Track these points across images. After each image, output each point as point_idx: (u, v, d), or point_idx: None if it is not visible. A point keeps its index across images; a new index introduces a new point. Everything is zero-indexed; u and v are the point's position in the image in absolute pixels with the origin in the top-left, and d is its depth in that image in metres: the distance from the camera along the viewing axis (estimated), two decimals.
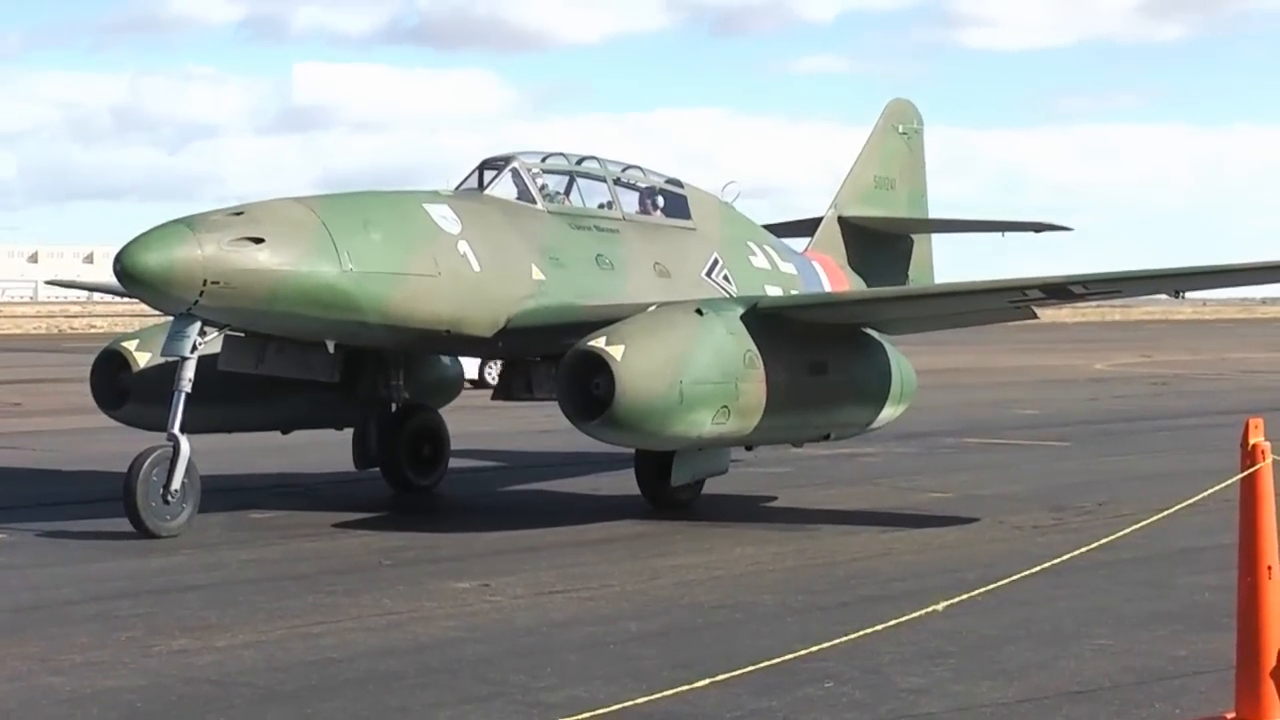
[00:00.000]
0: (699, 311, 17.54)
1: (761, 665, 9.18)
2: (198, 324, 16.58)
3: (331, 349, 18.05)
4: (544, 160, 20.25)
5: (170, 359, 17.00)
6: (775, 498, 20.40)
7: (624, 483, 20.27)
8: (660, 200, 21.36)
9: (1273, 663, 8.58)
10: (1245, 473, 8.69)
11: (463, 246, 18.11)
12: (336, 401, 20.09)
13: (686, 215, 21.46)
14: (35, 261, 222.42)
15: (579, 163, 20.65)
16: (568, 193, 20.28)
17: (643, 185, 21.38)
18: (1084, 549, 10.58)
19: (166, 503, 16.62)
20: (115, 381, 18.93)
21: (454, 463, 21.72)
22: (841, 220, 25.77)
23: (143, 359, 18.70)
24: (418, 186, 19.07)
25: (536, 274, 18.75)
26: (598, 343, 16.63)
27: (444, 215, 18.21)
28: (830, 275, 24.11)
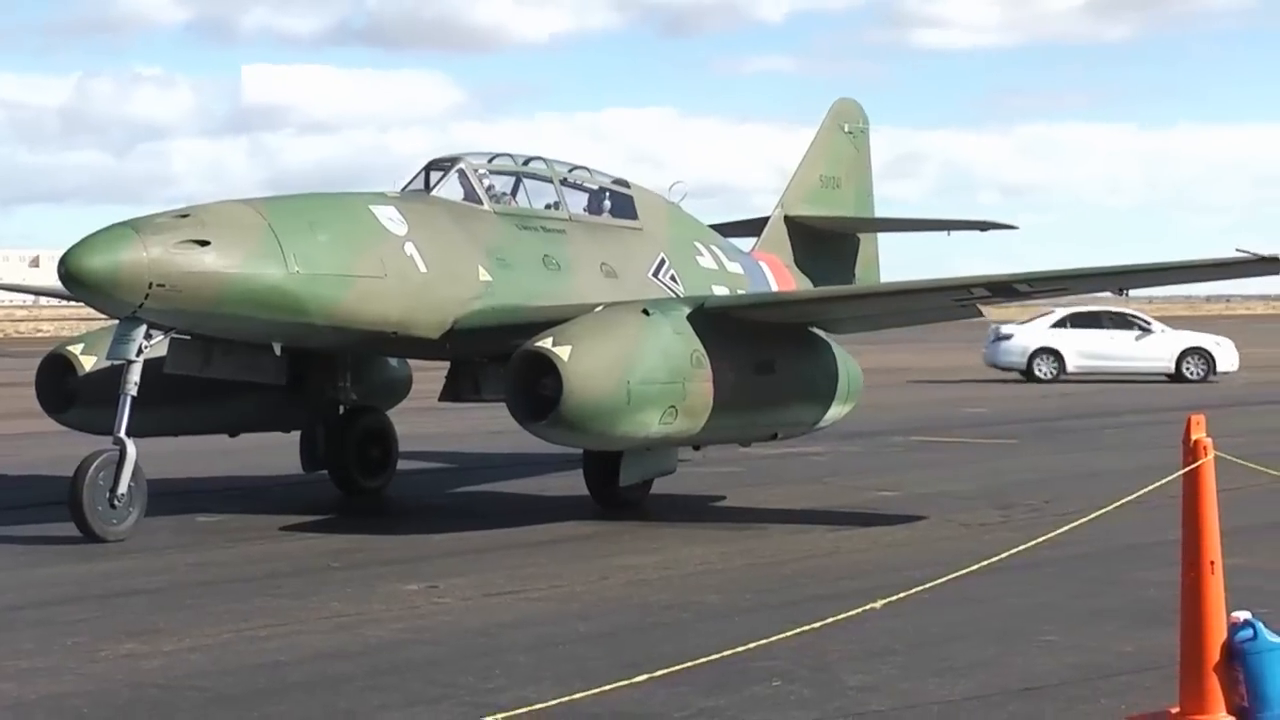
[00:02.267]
0: (646, 312, 17.55)
1: (709, 662, 9.20)
2: (143, 327, 16.52)
3: (278, 351, 18.00)
4: (490, 161, 20.24)
5: (116, 362, 16.92)
6: (724, 497, 20.43)
7: (573, 483, 20.27)
8: (607, 201, 21.38)
9: (1215, 658, 8.63)
10: (1187, 469, 8.74)
11: (409, 248, 18.09)
12: (284, 404, 20.05)
13: (633, 215, 21.47)
14: None
15: (526, 163, 20.65)
16: (514, 193, 20.27)
17: (590, 186, 21.39)
18: (1030, 545, 10.63)
19: (113, 507, 16.55)
20: (61, 385, 18.86)
21: (402, 464, 21.69)
22: (788, 220, 25.81)
23: (88, 363, 18.63)
24: (367, 188, 19.07)
25: (483, 275, 18.73)
26: (545, 343, 16.63)
27: (390, 217, 18.19)
28: (777, 275, 24.15)
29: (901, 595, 9.58)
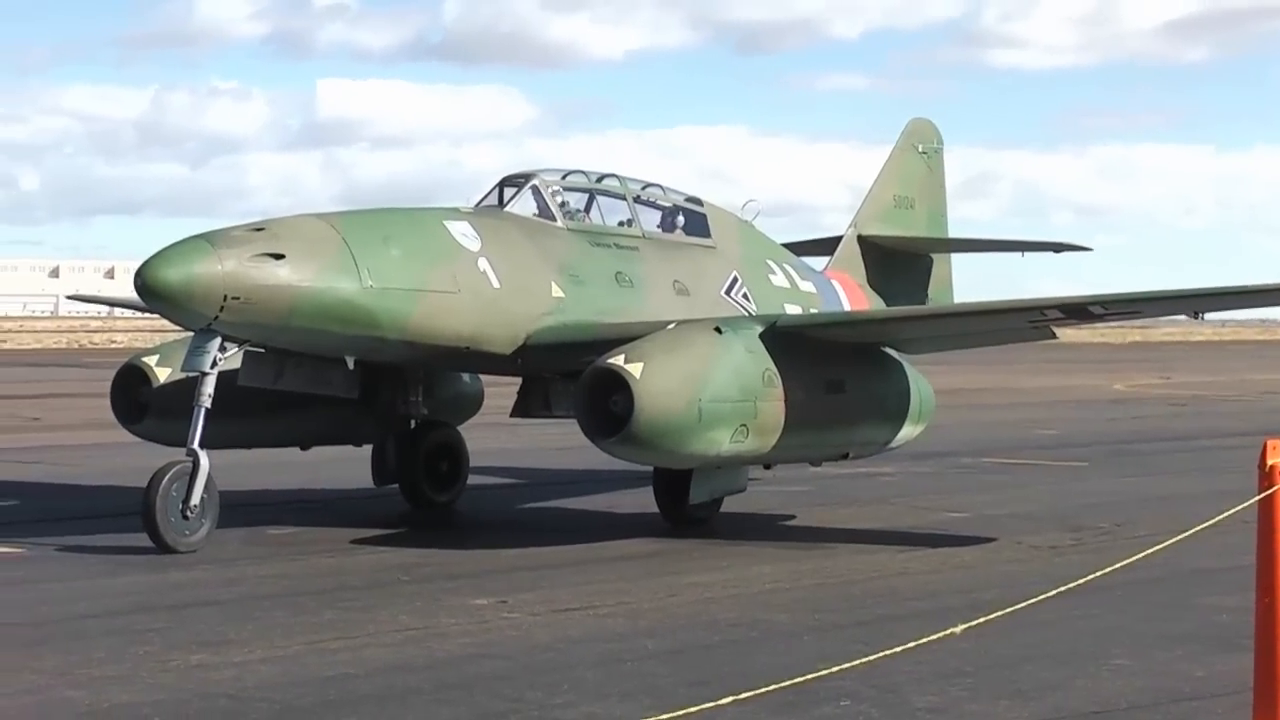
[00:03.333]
0: (718, 330, 17.55)
1: (778, 684, 9.18)
2: (218, 339, 16.61)
3: (351, 365, 18.06)
4: (564, 178, 20.28)
5: (190, 374, 17.02)
6: (793, 516, 20.39)
7: (642, 500, 20.27)
8: (680, 218, 21.38)
9: None
10: (1263, 494, 8.68)
11: (482, 263, 18.14)
12: (355, 418, 20.12)
13: (706, 233, 21.47)
14: (56, 276, 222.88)
15: (599, 180, 20.68)
16: (587, 210, 20.30)
17: (663, 203, 21.40)
18: (1102, 570, 10.57)
19: (185, 518, 16.65)
20: (135, 396, 18.96)
21: (472, 479, 21.74)
22: (861, 239, 25.77)
23: (163, 374, 18.73)
24: (440, 203, 19.14)
25: (556, 291, 18.77)
26: (617, 360, 16.64)
27: (464, 232, 18.25)
28: (849, 294, 24.11)
29: (981, 620, 9.54)
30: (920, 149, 27.29)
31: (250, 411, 18.82)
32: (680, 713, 9.07)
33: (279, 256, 16.54)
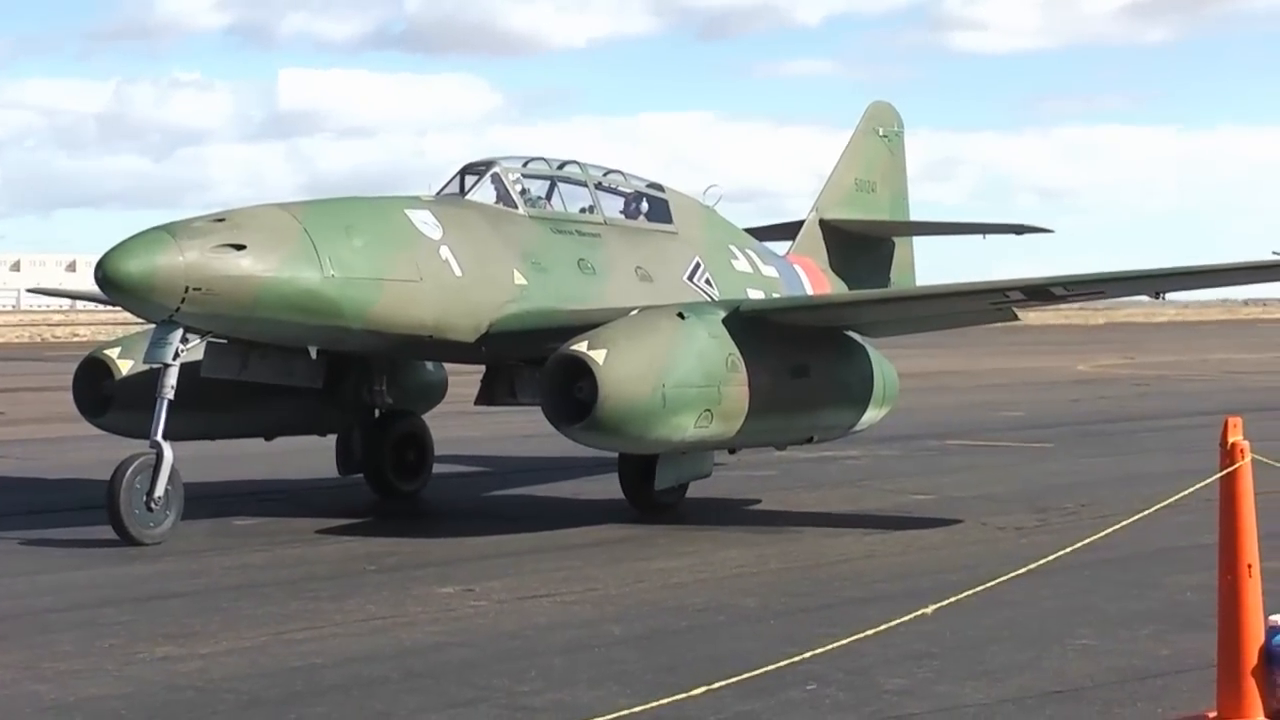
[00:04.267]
0: (681, 315, 17.55)
1: (745, 666, 9.19)
2: (180, 331, 16.57)
3: (314, 355, 18.05)
4: (525, 165, 20.26)
5: (153, 366, 16.97)
6: (759, 500, 20.41)
7: (607, 487, 20.27)
8: (642, 205, 21.38)
9: (1254, 661, 8.61)
10: (1224, 472, 8.72)
11: (444, 251, 18.12)
12: (320, 407, 20.08)
13: (668, 219, 21.48)
14: (18, 270, 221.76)
15: (560, 167, 20.67)
16: (549, 197, 20.29)
17: (624, 189, 21.40)
18: (1067, 549, 10.61)
19: (150, 510, 16.61)
20: (98, 389, 18.89)
21: (438, 468, 21.72)
22: (823, 223, 25.80)
23: (125, 366, 18.67)
24: (404, 192, 19.09)
25: (518, 279, 18.76)
26: (580, 347, 16.64)
27: (425, 221, 18.22)
28: (812, 278, 24.14)
29: (951, 600, 9.56)
30: (881, 132, 27.33)
31: (214, 403, 18.77)
32: (653, 705, 9.08)
33: (240, 247, 16.50)
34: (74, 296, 32.83)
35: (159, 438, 16.62)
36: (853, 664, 10.76)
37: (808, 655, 9.55)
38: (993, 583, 9.97)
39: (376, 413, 20.69)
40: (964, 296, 19.51)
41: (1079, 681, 10.46)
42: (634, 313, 17.71)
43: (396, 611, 13.10)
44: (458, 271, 18.14)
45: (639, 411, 16.64)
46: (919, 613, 9.16)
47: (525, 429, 27.40)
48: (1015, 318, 20.23)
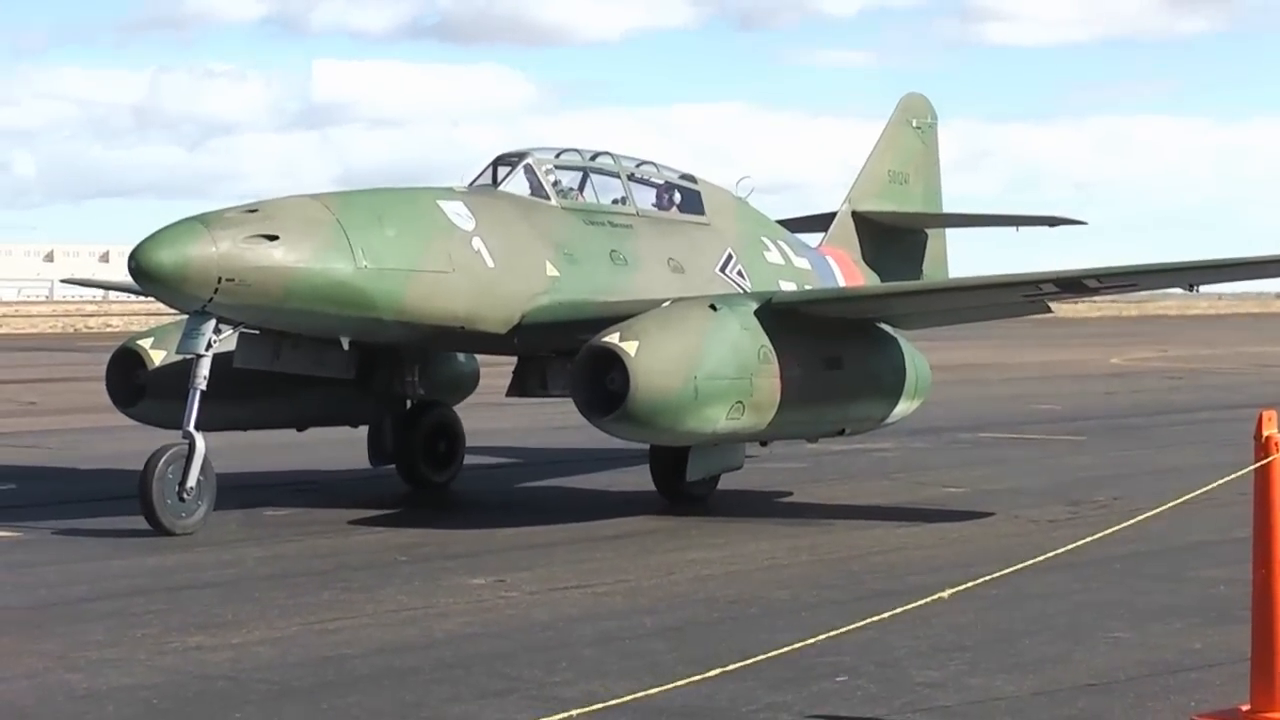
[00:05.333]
0: (713, 307, 17.54)
1: (776, 657, 9.19)
2: (213, 321, 16.60)
3: (346, 346, 18.06)
4: (558, 156, 20.25)
5: (185, 356, 17.00)
6: (790, 493, 20.40)
7: (639, 478, 20.28)
8: (674, 196, 21.36)
9: None
10: (1258, 464, 8.68)
11: (477, 243, 18.12)
12: (352, 398, 20.10)
13: (700, 211, 21.45)
14: (51, 260, 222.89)
15: (593, 158, 20.66)
16: (581, 189, 20.28)
17: (657, 181, 21.38)
18: (1098, 540, 10.57)
19: (182, 500, 16.65)
20: (131, 379, 18.94)
21: (469, 459, 21.74)
22: (855, 215, 25.73)
23: (158, 357, 18.71)
24: (437, 183, 19.10)
25: (550, 270, 18.75)
26: (612, 338, 16.63)
27: (458, 212, 18.23)
28: (844, 270, 24.09)
29: (969, 585, 9.54)
30: (914, 124, 27.26)
31: (246, 393, 18.80)
32: (676, 682, 9.08)
33: (273, 238, 16.52)
34: (107, 287, 32.81)
35: (191, 428, 16.65)
36: (884, 656, 10.76)
37: (839, 646, 9.54)
38: (1025, 575, 9.94)
39: (408, 404, 20.71)
40: (997, 289, 19.46)
41: (1111, 674, 10.43)
42: (666, 304, 17.69)
43: (428, 602, 13.11)
44: (490, 263, 18.14)
45: (671, 403, 16.64)
46: (935, 597, 9.14)
47: (556, 420, 27.42)
48: (1048, 310, 20.18)
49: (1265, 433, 8.71)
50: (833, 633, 9.52)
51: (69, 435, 28.58)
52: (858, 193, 26.08)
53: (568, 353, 17.79)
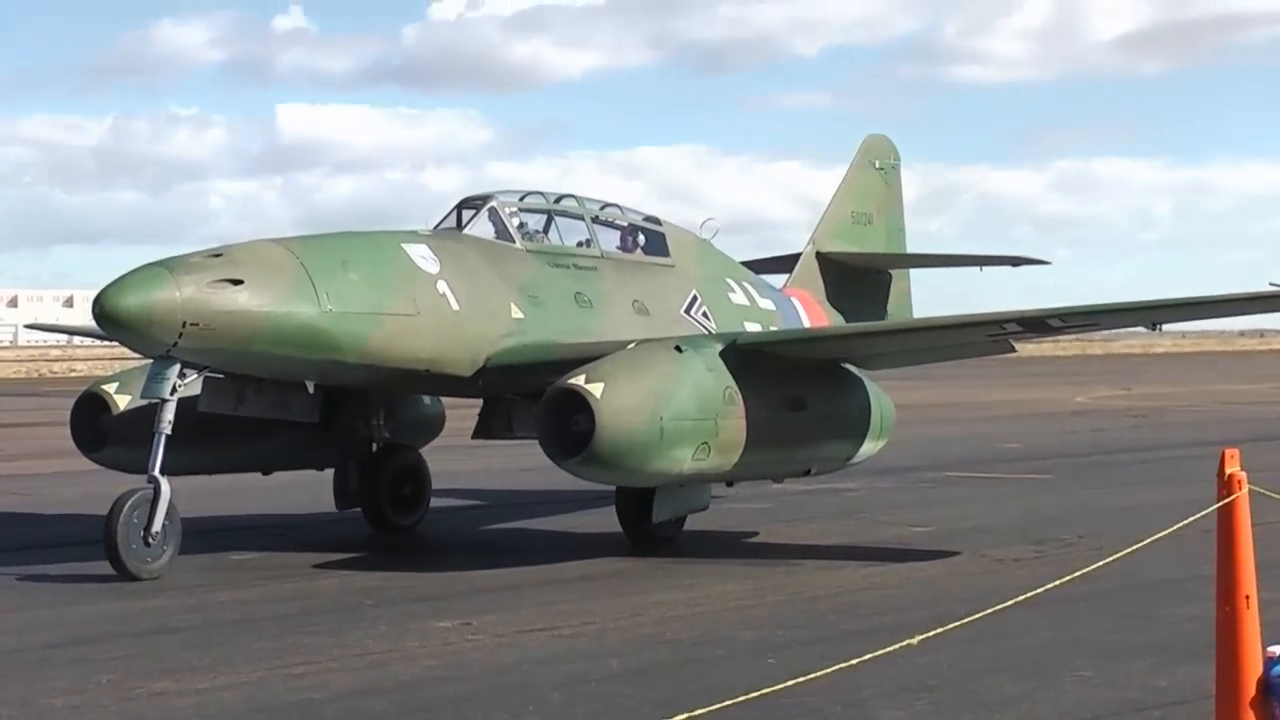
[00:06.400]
0: (678, 349, 17.57)
1: (743, 699, 9.18)
2: (177, 366, 16.58)
3: (311, 389, 18.07)
4: (522, 199, 20.30)
5: (150, 401, 16.98)
6: (756, 533, 20.40)
7: (605, 520, 20.26)
8: (639, 238, 21.41)
9: (1252, 692, 8.60)
10: (1222, 503, 8.72)
11: (441, 286, 18.14)
12: (317, 442, 20.09)
13: (665, 252, 21.52)
14: (15, 306, 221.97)
15: (557, 201, 20.71)
16: (546, 231, 20.33)
17: (621, 223, 21.43)
18: (1064, 580, 10.59)
19: (147, 545, 16.60)
20: (95, 424, 18.91)
21: (435, 502, 21.71)
22: (820, 256, 25.84)
23: (123, 401, 18.69)
24: (402, 226, 19.13)
25: (515, 312, 18.77)
26: (577, 380, 16.64)
27: (423, 255, 18.24)
28: (809, 311, 24.16)
29: (939, 631, 9.56)
30: (877, 165, 27.38)
31: (211, 437, 18.78)
32: None
33: (237, 282, 16.51)
34: (71, 332, 32.87)
35: (156, 473, 16.62)
36: (850, 696, 10.76)
37: (805, 687, 9.54)
38: (990, 614, 9.96)
39: (374, 446, 20.70)
40: (961, 329, 19.52)
41: (1077, 713, 10.45)
42: (631, 346, 17.73)
43: (394, 646, 13.08)
44: (455, 305, 18.16)
45: (637, 444, 16.65)
46: (904, 643, 9.15)
47: (523, 462, 27.39)
48: (1012, 349, 20.27)
49: (1228, 471, 8.75)
50: (801, 679, 9.51)
51: (33, 480, 28.45)
52: (821, 233, 26.19)
53: (533, 395, 17.78)
